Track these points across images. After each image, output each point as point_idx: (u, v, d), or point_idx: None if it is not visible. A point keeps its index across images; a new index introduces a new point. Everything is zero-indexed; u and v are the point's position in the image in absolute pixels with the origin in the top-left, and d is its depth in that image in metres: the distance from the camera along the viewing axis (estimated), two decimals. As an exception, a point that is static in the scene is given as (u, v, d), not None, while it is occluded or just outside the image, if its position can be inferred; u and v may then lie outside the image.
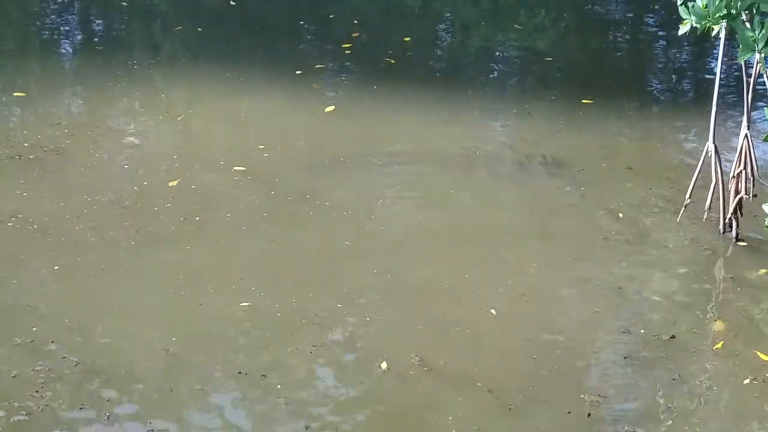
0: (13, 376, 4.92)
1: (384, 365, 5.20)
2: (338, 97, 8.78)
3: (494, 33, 11.13)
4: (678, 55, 10.57)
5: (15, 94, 8.42)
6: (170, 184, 6.90)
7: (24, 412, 4.74)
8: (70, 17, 11.07)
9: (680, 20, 5.65)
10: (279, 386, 5.02)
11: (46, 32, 10.44)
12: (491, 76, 9.75)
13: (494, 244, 6.43)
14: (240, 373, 5.10)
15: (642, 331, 5.59)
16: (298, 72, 9.19)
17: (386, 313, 5.64)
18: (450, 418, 4.85)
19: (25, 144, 7.38)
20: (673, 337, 5.54)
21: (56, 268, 5.87)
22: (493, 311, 5.65)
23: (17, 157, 7.16)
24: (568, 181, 7.31)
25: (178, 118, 8.03)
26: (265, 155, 7.41)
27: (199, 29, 10.68)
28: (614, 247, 6.46)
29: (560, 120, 8.46)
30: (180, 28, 10.51)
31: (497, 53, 10.45)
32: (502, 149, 7.93)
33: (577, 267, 6.23)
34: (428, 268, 6.10)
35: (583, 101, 8.79)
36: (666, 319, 5.73)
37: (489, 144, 8.01)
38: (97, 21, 11.02)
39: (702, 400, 5.09)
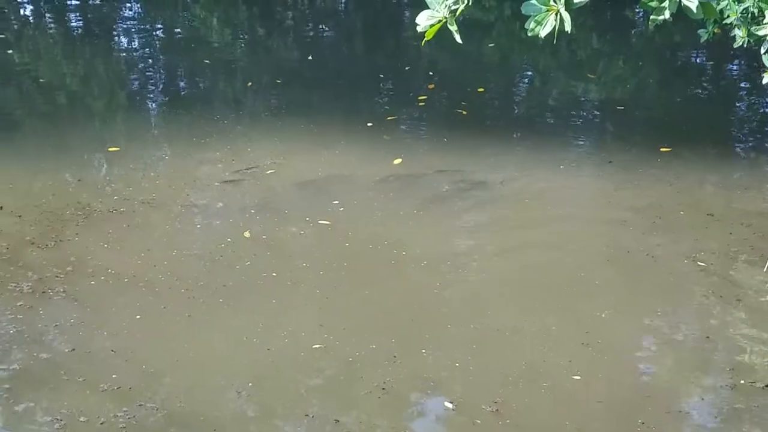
0: (101, 423, 5.03)
1: (451, 405, 5.22)
2: (408, 148, 8.83)
3: (571, 83, 11.14)
4: (760, 104, 10.42)
5: (110, 149, 8.70)
6: (245, 234, 7.04)
7: (112, 460, 4.87)
8: (156, 75, 11.45)
9: (763, 69, 5.58)
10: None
11: (134, 89, 10.81)
12: (567, 124, 9.74)
13: (574, 294, 6.38)
14: (308, 415, 5.14)
15: (741, 381, 5.46)
16: (369, 124, 9.34)
17: (468, 361, 5.62)
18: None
19: (115, 197, 7.62)
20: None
21: (138, 317, 5.99)
22: (576, 376, 5.54)
23: (110, 211, 7.37)
24: (646, 228, 7.24)
25: (267, 172, 8.20)
26: (341, 209, 7.51)
27: (278, 81, 10.96)
28: (699, 296, 6.35)
29: (638, 168, 8.40)
30: (253, 84, 10.80)
31: (573, 102, 10.46)
32: (578, 198, 7.90)
33: (662, 318, 6.13)
34: (509, 318, 6.07)
35: (662, 149, 8.73)
36: (760, 368, 5.60)
37: (565, 193, 7.99)
38: (182, 77, 11.36)
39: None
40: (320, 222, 7.26)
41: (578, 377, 5.49)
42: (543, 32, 3.47)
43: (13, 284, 6.27)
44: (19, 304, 6.04)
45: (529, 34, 3.51)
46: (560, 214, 7.56)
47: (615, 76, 11.49)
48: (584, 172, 8.53)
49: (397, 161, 8.47)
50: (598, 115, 10.11)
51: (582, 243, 7.10)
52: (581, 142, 9.24)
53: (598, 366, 5.60)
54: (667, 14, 3.57)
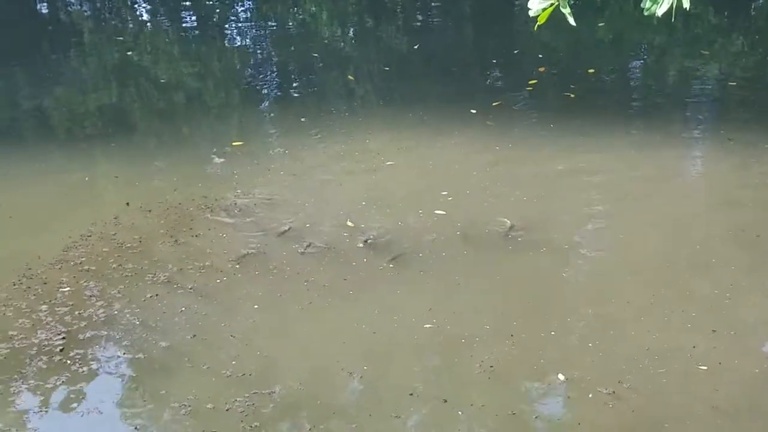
0: (227, 410, 5.15)
1: (564, 379, 5.20)
2: (513, 134, 8.75)
3: (686, 61, 10.85)
4: None
5: (233, 143, 8.88)
6: (362, 225, 7.09)
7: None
8: (270, 69, 11.67)
9: None
10: (460, 412, 5.07)
11: (251, 85, 11.03)
12: (682, 104, 9.51)
13: (699, 277, 6.23)
14: (412, 394, 5.17)
15: None
16: (473, 111, 9.29)
17: (588, 344, 5.55)
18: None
19: (238, 190, 7.76)
20: None
21: (256, 306, 6.13)
22: (701, 363, 5.38)
23: (233, 204, 7.50)
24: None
25: (387, 164, 8.24)
26: (450, 199, 7.48)
27: (386, 68, 11.00)
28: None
29: (761, 145, 8.13)
30: (362, 75, 10.87)
31: (688, 81, 10.19)
32: (699, 177, 7.72)
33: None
34: (633, 302, 5.96)
35: (785, 126, 8.47)
36: None
37: (685, 172, 7.82)
38: (293, 73, 11.52)
39: None
40: (436, 212, 7.28)
41: (703, 365, 5.35)
42: (660, 11, 3.40)
43: (150, 275, 6.50)
44: (148, 295, 6.27)
45: (646, 14, 3.44)
46: (682, 195, 7.39)
47: (732, 52, 11.13)
48: (703, 151, 8.33)
49: (500, 147, 8.41)
50: (715, 92, 9.82)
51: (705, 224, 6.94)
52: (699, 121, 9.01)
53: (725, 352, 5.44)
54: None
